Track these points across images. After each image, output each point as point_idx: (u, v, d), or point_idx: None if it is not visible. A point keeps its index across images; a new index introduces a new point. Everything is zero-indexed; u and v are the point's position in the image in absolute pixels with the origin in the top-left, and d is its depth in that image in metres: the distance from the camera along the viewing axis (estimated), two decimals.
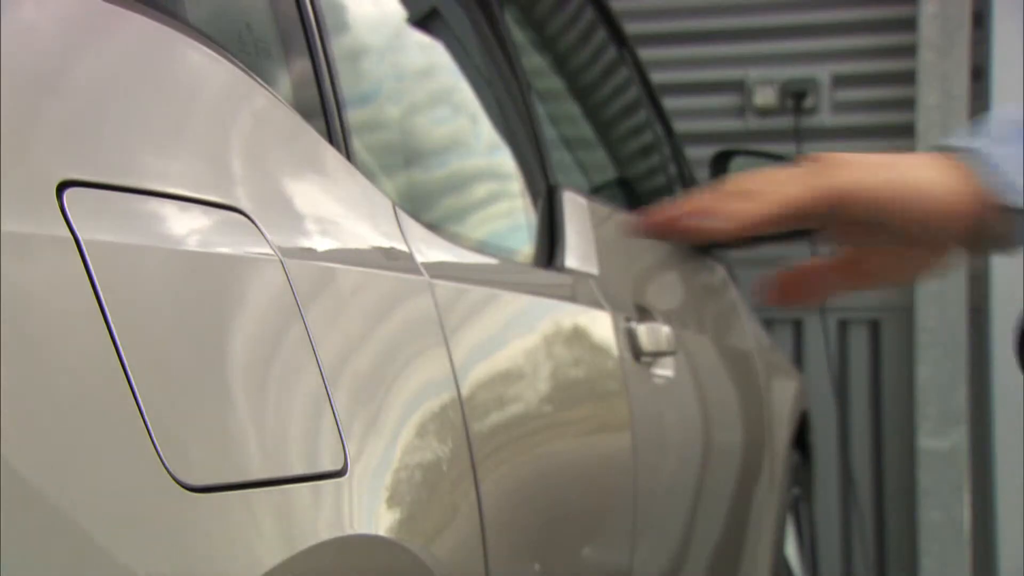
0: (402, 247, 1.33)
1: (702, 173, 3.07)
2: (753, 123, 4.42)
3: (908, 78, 4.25)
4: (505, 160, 1.99)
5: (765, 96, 4.39)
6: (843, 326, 4.41)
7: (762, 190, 0.94)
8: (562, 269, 1.89)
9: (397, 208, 1.36)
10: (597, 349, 1.87)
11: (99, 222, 0.85)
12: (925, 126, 4.18)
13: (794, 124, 4.36)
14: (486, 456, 1.32)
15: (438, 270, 1.38)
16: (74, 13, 0.94)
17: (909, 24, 4.25)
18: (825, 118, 4.38)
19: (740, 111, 4.45)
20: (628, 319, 2.01)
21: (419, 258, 1.35)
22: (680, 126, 3.25)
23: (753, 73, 4.42)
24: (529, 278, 1.80)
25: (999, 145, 0.95)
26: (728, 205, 0.93)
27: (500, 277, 1.67)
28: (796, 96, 4.36)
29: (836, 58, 4.38)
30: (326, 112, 1.31)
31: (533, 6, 2.68)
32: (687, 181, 3.04)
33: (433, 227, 1.47)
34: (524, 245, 1.88)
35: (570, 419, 1.70)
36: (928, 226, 0.95)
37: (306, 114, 1.26)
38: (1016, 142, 0.95)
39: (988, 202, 0.94)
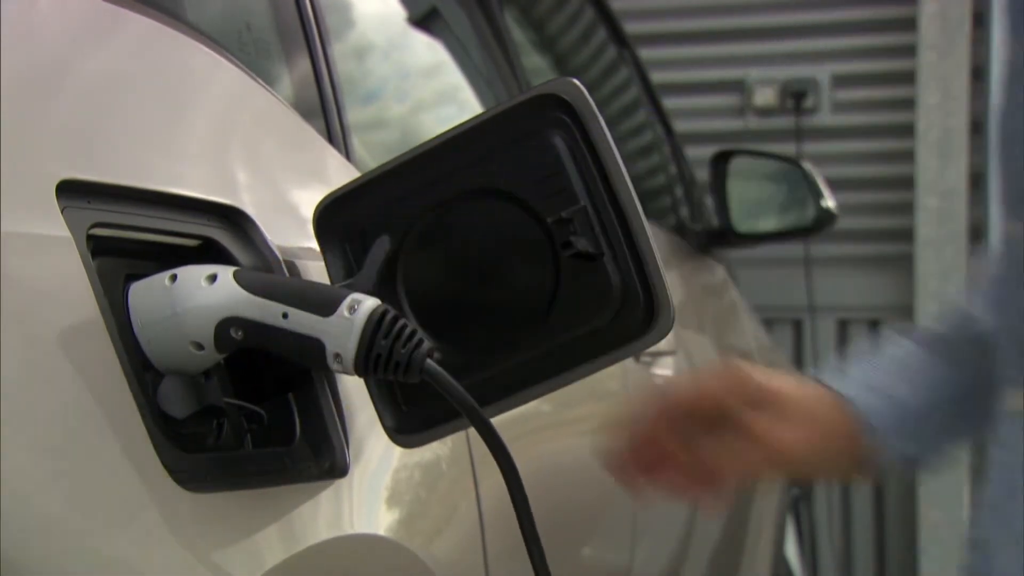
0: None
1: (702, 173, 3.07)
2: (753, 123, 4.42)
3: (908, 78, 4.25)
4: None
5: (765, 96, 4.39)
6: (843, 326, 4.41)
7: (725, 466, 1.06)
8: None
9: None
10: None
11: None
12: (925, 126, 4.18)
13: (794, 124, 4.36)
14: (486, 456, 1.31)
15: None
16: (74, 13, 0.94)
17: (909, 24, 4.24)
18: (825, 118, 4.38)
19: (740, 111, 4.45)
20: None
21: None
22: (680, 126, 3.25)
23: (753, 73, 4.42)
24: None
25: (869, 393, 1.06)
26: (702, 481, 1.07)
27: None
28: (796, 96, 4.36)
29: (836, 58, 4.37)
30: (326, 112, 1.31)
31: (533, 6, 2.68)
32: (687, 181, 3.04)
33: None
34: None
35: (570, 419, 1.70)
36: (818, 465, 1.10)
37: (306, 114, 1.26)
38: (881, 393, 1.06)
39: (862, 448, 1.06)
